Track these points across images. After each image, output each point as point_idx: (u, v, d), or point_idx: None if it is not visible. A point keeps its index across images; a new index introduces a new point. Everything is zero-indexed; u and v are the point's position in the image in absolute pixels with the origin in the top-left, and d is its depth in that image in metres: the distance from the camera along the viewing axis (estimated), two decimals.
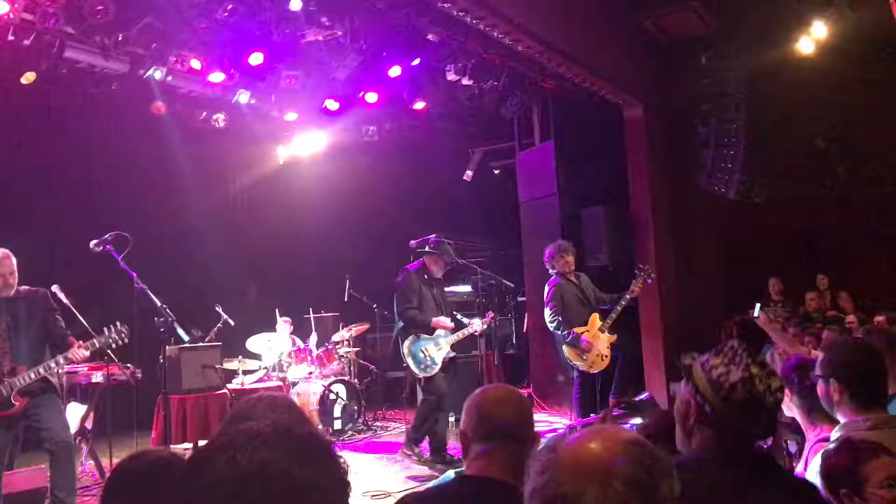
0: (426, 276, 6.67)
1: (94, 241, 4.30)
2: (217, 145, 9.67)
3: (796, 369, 2.95)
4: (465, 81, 8.27)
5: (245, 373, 7.72)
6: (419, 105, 9.76)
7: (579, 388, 7.29)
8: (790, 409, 3.07)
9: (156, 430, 6.60)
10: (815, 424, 2.94)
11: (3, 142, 8.09)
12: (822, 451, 2.52)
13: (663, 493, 1.22)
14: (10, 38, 6.97)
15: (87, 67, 7.93)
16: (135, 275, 4.26)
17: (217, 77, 8.22)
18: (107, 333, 4.67)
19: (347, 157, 10.81)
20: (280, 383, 7.70)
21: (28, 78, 7.53)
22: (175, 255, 8.90)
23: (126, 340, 4.74)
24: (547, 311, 7.16)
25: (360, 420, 8.20)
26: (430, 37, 7.50)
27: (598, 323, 7.14)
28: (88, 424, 6.40)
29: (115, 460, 6.37)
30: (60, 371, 4.90)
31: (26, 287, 4.80)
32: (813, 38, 8.04)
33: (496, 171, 10.70)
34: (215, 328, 7.87)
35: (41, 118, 8.20)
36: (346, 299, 9.20)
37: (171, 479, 1.72)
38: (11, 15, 6.58)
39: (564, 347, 7.07)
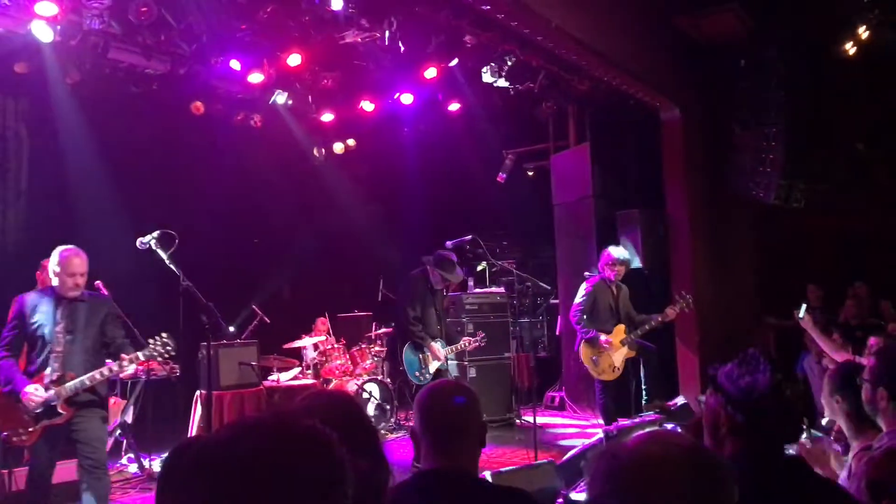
0: (429, 286, 6.75)
1: (141, 239, 4.36)
2: (254, 145, 9.78)
3: (846, 374, 2.93)
4: (501, 83, 8.28)
5: (280, 370, 7.80)
6: (454, 107, 9.78)
7: (602, 393, 7.34)
8: (834, 413, 3.04)
9: (194, 426, 6.69)
10: (862, 431, 2.91)
11: (47, 141, 8.29)
12: (865, 459, 2.50)
13: (725, 498, 1.23)
14: (57, 38, 7.14)
15: (128, 67, 8.09)
16: (181, 272, 4.33)
17: (256, 78, 8.32)
18: (151, 345, 4.55)
19: (382, 158, 10.87)
20: (314, 381, 7.77)
21: (72, 77, 7.70)
22: (211, 252, 9.02)
23: (173, 353, 4.59)
24: (575, 308, 7.26)
25: (393, 419, 8.24)
26: (467, 39, 7.51)
27: (622, 335, 7.18)
28: (128, 419, 6.53)
29: (155, 454, 6.51)
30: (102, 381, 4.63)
31: (89, 291, 4.72)
32: (855, 40, 7.91)
33: (530, 173, 10.69)
34: (251, 326, 7.97)
35: (84, 117, 8.36)
36: (379, 299, 9.26)
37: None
38: (59, 16, 6.73)
39: (582, 346, 7.16)
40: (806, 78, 8.20)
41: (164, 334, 4.54)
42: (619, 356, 7.10)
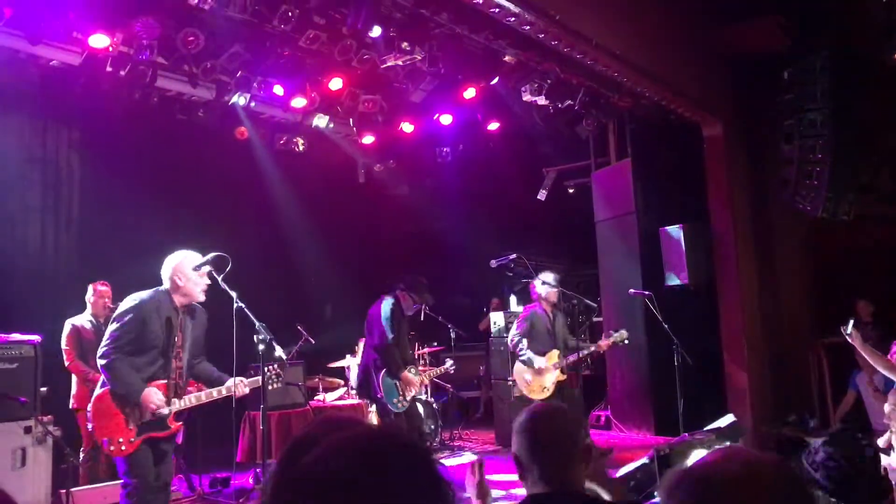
0: (400, 311, 6.73)
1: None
2: (297, 168, 9.93)
3: None
4: (541, 101, 8.30)
5: (325, 390, 7.84)
6: (493, 126, 9.83)
7: None
8: None
9: (241, 446, 6.75)
10: None
11: (98, 169, 8.52)
12: None
13: None
14: (109, 69, 7.36)
15: (175, 95, 8.32)
16: (235, 294, 4.39)
17: (299, 102, 8.48)
18: (269, 374, 4.50)
19: (422, 178, 10.95)
20: (360, 401, 7.80)
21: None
22: (258, 274, 9.15)
23: (278, 385, 4.60)
24: (513, 330, 7.45)
25: (437, 439, 8.22)
26: (506, 58, 7.56)
27: (556, 359, 7.29)
28: (178, 439, 6.60)
29: (205, 474, 6.58)
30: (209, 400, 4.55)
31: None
32: None
33: (571, 191, 10.66)
34: (297, 346, 8.04)
35: (132, 145, 8.58)
36: (422, 318, 9.27)
37: None
38: (111, 48, 6.95)
39: (516, 365, 7.36)
40: (851, 88, 8.05)
41: (274, 365, 4.50)
42: (550, 378, 7.26)
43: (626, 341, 7.54)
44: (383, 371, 6.55)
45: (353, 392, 8.12)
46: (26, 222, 8.15)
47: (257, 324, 4.28)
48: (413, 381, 6.65)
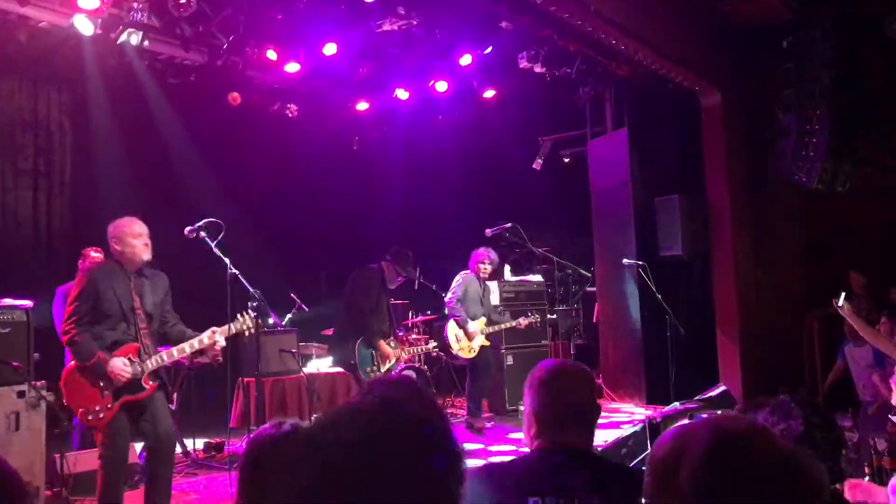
0: (382, 281, 6.69)
1: (189, 228, 4.38)
2: (291, 134, 9.84)
3: None
4: (538, 69, 8.21)
5: (319, 357, 7.87)
6: (489, 93, 9.73)
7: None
8: None
9: (235, 412, 6.79)
10: None
11: (89, 134, 8.43)
12: None
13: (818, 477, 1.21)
14: (98, 31, 7.24)
15: (167, 59, 8.19)
16: (228, 261, 4.37)
17: (292, 67, 8.37)
18: (241, 319, 4.45)
19: (416, 146, 10.87)
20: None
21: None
22: (250, 242, 9.12)
23: (253, 331, 4.52)
24: (450, 293, 7.60)
25: None
26: (503, 25, 7.46)
27: (482, 325, 7.61)
28: (173, 405, 6.63)
29: (199, 440, 6.62)
30: (186, 356, 4.55)
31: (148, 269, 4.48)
32: None
33: (566, 160, 10.60)
34: (290, 314, 8.04)
35: (123, 109, 8.47)
36: (416, 287, 9.26)
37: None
38: (101, 9, 6.83)
39: (450, 324, 7.55)
40: (852, 59, 7.99)
41: (249, 310, 4.46)
42: (478, 341, 7.58)
43: (538, 325, 8.07)
44: (359, 340, 6.49)
45: None
46: (18, 187, 8.08)
47: (251, 290, 4.26)
48: (389, 353, 6.59)
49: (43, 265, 7.95)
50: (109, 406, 4.12)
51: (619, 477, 2.04)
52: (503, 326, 7.80)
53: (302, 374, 6.85)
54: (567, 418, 2.06)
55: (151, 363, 4.23)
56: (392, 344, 6.70)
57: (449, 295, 7.60)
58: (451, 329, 7.55)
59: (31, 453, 5.07)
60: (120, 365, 4.11)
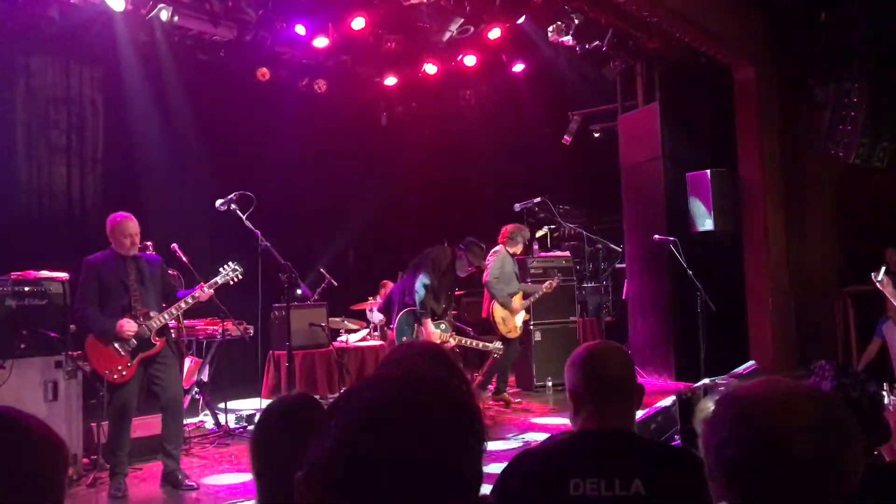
0: (452, 265, 6.76)
1: (220, 201, 4.46)
2: (319, 110, 9.84)
3: None
4: (568, 42, 8.10)
5: (348, 332, 7.93)
6: (518, 67, 9.64)
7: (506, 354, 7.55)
8: None
9: (266, 384, 6.88)
10: None
11: (120, 110, 8.51)
12: None
13: (855, 436, 1.19)
14: (129, 7, 7.28)
15: (197, 35, 8.22)
16: (259, 233, 4.41)
17: (321, 42, 8.36)
18: (224, 272, 5.08)
19: (445, 121, 10.83)
20: (381, 342, 7.88)
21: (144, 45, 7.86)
22: (280, 217, 9.19)
23: (241, 276, 5.08)
24: (488, 273, 7.50)
25: None
26: None
27: (521, 301, 7.64)
28: (204, 377, 6.74)
29: (231, 411, 6.72)
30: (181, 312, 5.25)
31: (142, 253, 5.24)
32: None
33: (596, 135, 10.47)
34: (320, 288, 8.10)
35: (154, 84, 8.53)
36: None
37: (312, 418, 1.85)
38: None
39: (495, 307, 7.46)
40: (891, 31, 7.76)
41: (230, 262, 5.04)
42: (520, 319, 7.66)
43: (558, 286, 7.96)
44: (406, 310, 6.53)
45: (376, 334, 8.21)
46: (52, 163, 8.19)
47: (282, 262, 4.31)
48: (431, 332, 6.56)
49: (76, 239, 8.06)
50: (129, 364, 4.84)
51: (661, 457, 2.02)
52: (537, 296, 7.78)
53: (331, 347, 6.90)
54: (604, 398, 2.06)
55: (154, 323, 4.94)
56: (442, 326, 6.69)
57: (487, 275, 7.57)
58: (498, 312, 7.51)
59: (69, 422, 5.19)
60: (124, 323, 4.84)
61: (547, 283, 7.78)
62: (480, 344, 7.29)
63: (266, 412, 1.97)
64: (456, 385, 1.11)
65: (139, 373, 4.93)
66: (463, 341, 7.02)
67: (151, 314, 4.97)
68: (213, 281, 5.11)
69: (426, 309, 6.52)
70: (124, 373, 4.83)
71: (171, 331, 5.30)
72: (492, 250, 7.70)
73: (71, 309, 5.07)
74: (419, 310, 6.49)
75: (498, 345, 7.19)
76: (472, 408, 1.07)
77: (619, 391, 2.07)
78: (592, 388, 2.07)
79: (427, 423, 1.00)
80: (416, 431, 0.99)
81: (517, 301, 7.59)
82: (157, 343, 4.97)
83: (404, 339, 6.46)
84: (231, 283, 5.12)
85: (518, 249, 7.74)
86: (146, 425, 5.62)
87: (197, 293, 5.09)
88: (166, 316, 5.02)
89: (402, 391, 1.03)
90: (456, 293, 8.99)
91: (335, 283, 8.19)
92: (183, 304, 5.07)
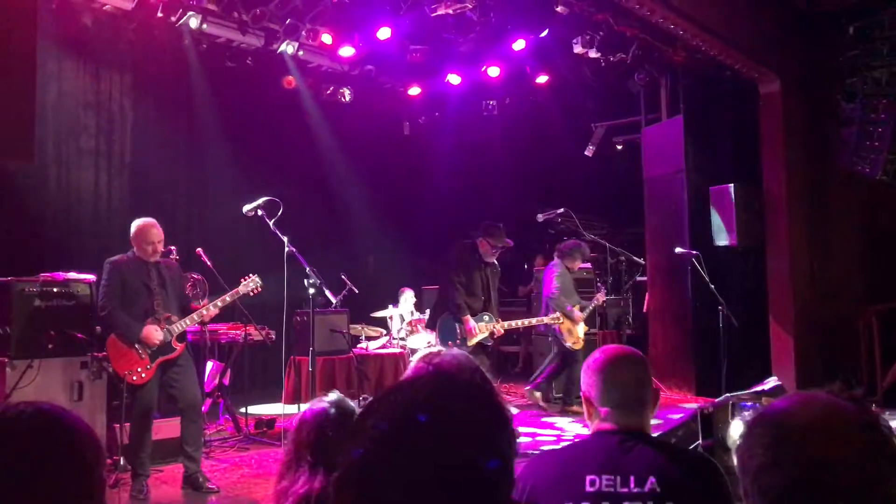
0: (477, 257, 6.57)
1: (248, 206, 4.53)
2: (343, 118, 9.92)
3: None
4: (592, 54, 8.11)
5: (368, 339, 7.96)
6: (542, 79, 9.66)
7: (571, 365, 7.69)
8: None
9: (287, 389, 6.91)
10: None
11: (149, 115, 8.63)
12: None
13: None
14: (160, 14, 7.40)
15: (225, 42, 8.33)
16: (286, 238, 4.46)
17: (347, 51, 8.44)
18: (245, 282, 5.15)
19: (467, 132, 10.86)
20: (401, 350, 7.90)
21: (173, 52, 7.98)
22: (301, 223, 9.25)
23: (259, 289, 5.17)
24: (552, 289, 7.69)
25: None
26: (559, 9, 7.37)
27: (580, 312, 7.77)
28: (226, 381, 6.80)
29: (251, 415, 6.77)
30: (207, 320, 5.33)
31: (162, 259, 5.25)
32: None
33: (619, 147, 10.46)
34: (341, 295, 8.14)
35: (182, 91, 8.65)
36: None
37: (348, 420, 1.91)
38: None
39: (563, 319, 7.55)
40: None
41: (250, 275, 5.12)
42: (581, 329, 7.79)
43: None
44: (444, 315, 6.44)
45: (395, 341, 8.23)
46: (81, 166, 8.31)
47: (308, 268, 4.35)
48: (474, 328, 6.37)
49: (103, 242, 8.17)
50: (148, 367, 4.91)
51: (676, 457, 2.04)
52: (589, 309, 7.93)
53: (351, 353, 6.93)
54: (618, 402, 2.08)
55: (176, 328, 5.03)
56: (486, 318, 6.53)
57: (549, 289, 7.69)
58: (564, 325, 7.64)
59: (93, 422, 5.25)
60: (151, 330, 4.92)
61: (596, 297, 7.96)
62: (534, 320, 7.44)
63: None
64: (488, 388, 1.13)
65: (157, 375, 5.00)
66: (513, 324, 6.95)
67: (173, 318, 5.05)
68: (234, 290, 5.20)
69: (461, 307, 6.36)
70: (143, 374, 4.91)
71: (196, 334, 5.40)
72: (549, 265, 7.87)
73: (97, 308, 5.11)
74: (454, 310, 6.37)
75: (556, 315, 7.31)
76: (503, 411, 1.09)
77: (633, 396, 2.09)
78: (608, 392, 2.09)
79: (459, 425, 1.02)
80: (448, 433, 1.00)
81: (577, 312, 7.72)
82: (178, 348, 5.05)
83: (449, 343, 6.25)
84: (251, 294, 5.19)
85: (576, 265, 7.89)
86: (168, 427, 5.69)
87: (220, 302, 5.18)
88: (188, 321, 5.10)
89: (433, 393, 1.05)
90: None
91: (356, 290, 8.23)
92: (204, 311, 5.15)
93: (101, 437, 4.92)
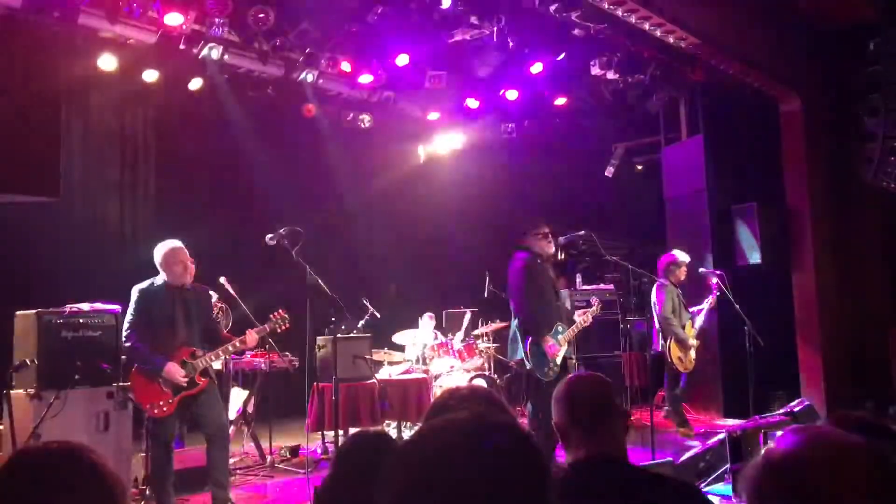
0: (538, 261, 6.02)
1: (270, 236, 4.57)
2: (363, 145, 10.00)
3: None
4: (611, 76, 8.12)
5: (390, 364, 7.94)
6: (560, 101, 9.68)
7: (682, 385, 7.77)
8: None
9: (310, 416, 6.90)
10: None
11: (172, 146, 8.76)
12: None
13: None
14: (182, 47, 7.53)
15: (246, 72, 8.45)
16: (308, 267, 4.49)
17: (366, 79, 8.51)
18: (273, 320, 5.10)
19: (487, 155, 10.89)
20: (424, 376, 7.87)
21: (195, 84, 8.11)
22: (323, 250, 9.30)
23: (287, 325, 5.14)
24: (660, 309, 7.68)
25: None
26: (576, 32, 7.41)
27: (691, 331, 7.74)
28: (250, 408, 6.81)
29: (276, 442, 6.76)
30: (230, 355, 5.36)
31: (192, 284, 5.17)
32: None
33: (639, 167, 10.44)
34: (362, 320, 8.14)
35: (204, 121, 8.77)
36: (486, 295, 9.26)
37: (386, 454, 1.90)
38: (184, 26, 7.10)
39: (673, 343, 7.57)
40: None
41: (280, 310, 5.08)
42: (694, 351, 7.68)
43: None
44: (530, 338, 5.84)
45: (418, 367, 8.20)
46: (106, 198, 8.45)
47: (331, 295, 4.37)
48: (551, 345, 5.82)
49: (128, 273, 8.24)
50: (170, 400, 4.87)
51: (647, 482, 2.05)
52: (699, 319, 7.82)
53: (374, 379, 6.92)
54: (585, 425, 2.13)
55: (201, 363, 4.96)
56: (559, 329, 6.00)
57: (660, 310, 7.64)
58: (675, 351, 7.59)
59: (119, 452, 5.28)
60: (174, 370, 4.85)
61: (706, 299, 7.81)
62: (585, 311, 6.39)
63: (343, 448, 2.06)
64: (521, 429, 1.11)
65: (180, 407, 4.96)
66: (574, 329, 6.19)
67: (197, 353, 5.00)
68: (261, 327, 5.17)
69: (535, 327, 5.85)
70: (165, 408, 4.88)
71: (219, 360, 5.37)
72: (656, 284, 7.73)
73: (120, 338, 5.10)
74: (534, 333, 5.84)
75: (589, 316, 6.32)
76: (538, 453, 1.07)
77: (598, 417, 2.13)
78: (574, 417, 2.15)
79: (496, 472, 1.00)
80: (486, 479, 0.99)
81: (689, 332, 7.69)
82: (201, 383, 4.99)
83: (546, 369, 5.81)
84: (278, 330, 5.16)
85: (681, 276, 7.79)
86: (191, 457, 5.70)
87: (247, 338, 5.11)
88: (212, 357, 5.05)
89: (469, 438, 1.04)
90: (497, 327, 8.96)
91: (378, 316, 8.22)
92: (230, 348, 5.13)
93: (127, 468, 4.97)
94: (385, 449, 1.93)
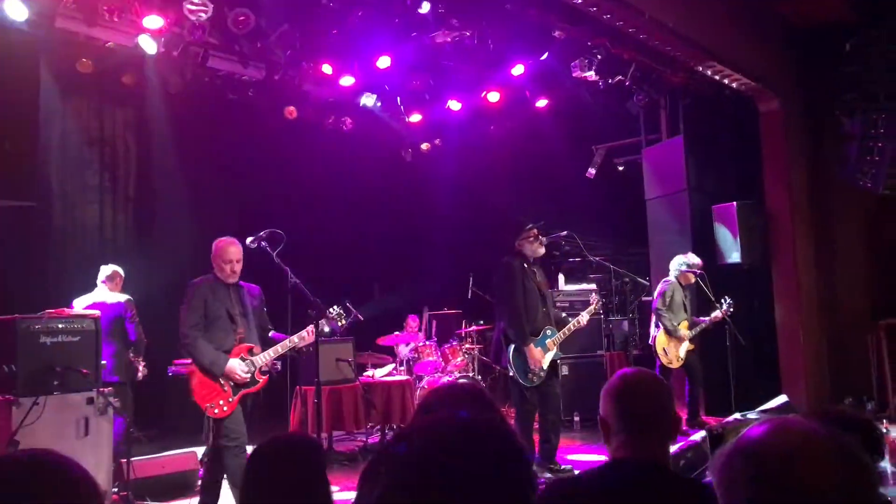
0: (525, 265, 6.04)
1: (251, 238, 4.53)
2: (345, 147, 9.98)
3: None
4: (591, 77, 8.15)
5: (374, 366, 7.93)
6: (541, 103, 9.71)
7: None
8: None
9: (293, 420, 6.88)
10: None
11: (152, 150, 8.70)
12: None
13: (874, 482, 1.15)
14: (161, 49, 7.48)
15: (226, 75, 8.40)
16: (288, 270, 4.47)
17: (347, 81, 8.50)
18: (331, 314, 5.06)
19: (469, 157, 10.91)
20: (407, 377, 7.87)
21: (174, 87, 8.06)
22: (306, 252, 9.27)
23: (345, 322, 5.14)
24: (656, 298, 7.75)
25: None
26: (556, 34, 7.44)
27: (686, 329, 7.71)
28: None
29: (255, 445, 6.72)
30: (288, 352, 5.12)
31: (243, 282, 5.00)
32: None
33: (620, 168, 10.49)
34: (346, 323, 8.11)
35: (185, 124, 8.72)
36: (469, 297, 9.28)
37: (307, 458, 1.89)
38: (164, 29, 7.06)
39: (661, 336, 7.61)
40: None
41: (336, 306, 5.05)
42: (683, 349, 7.68)
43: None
44: (513, 345, 5.90)
45: (402, 368, 8.20)
46: (85, 202, 8.38)
47: (311, 298, 4.35)
48: (535, 354, 5.86)
49: None
50: (230, 399, 4.72)
51: (687, 492, 1.96)
52: (704, 326, 7.78)
53: (357, 382, 6.91)
54: (635, 429, 2.01)
55: (260, 360, 4.83)
56: (548, 332, 6.03)
57: (656, 302, 7.69)
58: (660, 342, 7.62)
59: (99, 458, 5.23)
60: (236, 367, 4.71)
61: (715, 314, 7.65)
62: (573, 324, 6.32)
63: (259, 452, 2.03)
64: (505, 429, 1.12)
65: (240, 405, 4.79)
66: (568, 330, 6.20)
67: (255, 350, 4.87)
68: (319, 322, 4.97)
69: (521, 336, 5.88)
70: (225, 408, 4.71)
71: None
72: (662, 280, 7.86)
73: (178, 333, 4.80)
74: (516, 340, 5.90)
75: (586, 315, 6.38)
76: (522, 452, 1.07)
77: (651, 424, 2.02)
78: (625, 419, 2.02)
79: (479, 469, 1.01)
80: (470, 478, 0.99)
81: (683, 329, 7.67)
82: (260, 380, 4.86)
83: (530, 375, 5.89)
84: (339, 324, 5.13)
85: (691, 278, 7.76)
86: (173, 461, 5.67)
87: (305, 334, 4.94)
88: (272, 353, 4.90)
89: (453, 439, 1.04)
90: (480, 327, 8.98)
91: (361, 318, 8.20)
92: (289, 343, 4.94)
93: (108, 472, 4.90)
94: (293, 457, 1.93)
